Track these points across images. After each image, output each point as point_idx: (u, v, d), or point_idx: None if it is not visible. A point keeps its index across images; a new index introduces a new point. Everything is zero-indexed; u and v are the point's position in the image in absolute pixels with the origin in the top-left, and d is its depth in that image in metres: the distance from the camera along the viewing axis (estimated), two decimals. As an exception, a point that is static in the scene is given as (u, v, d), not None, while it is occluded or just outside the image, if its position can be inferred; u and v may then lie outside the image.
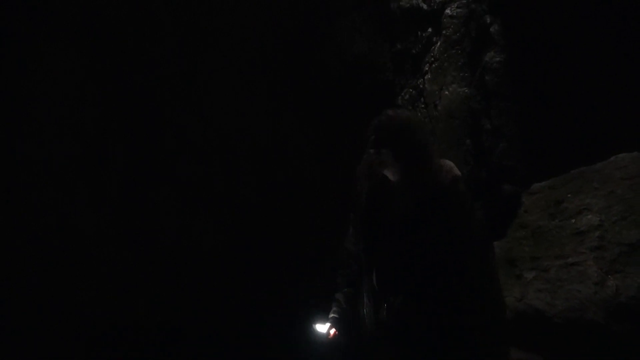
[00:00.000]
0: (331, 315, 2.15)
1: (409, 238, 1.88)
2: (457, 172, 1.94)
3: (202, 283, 4.18)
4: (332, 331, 2.12)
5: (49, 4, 4.07)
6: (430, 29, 4.23)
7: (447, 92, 4.00)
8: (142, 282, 4.14)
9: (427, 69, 4.22)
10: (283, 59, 4.41)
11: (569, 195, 3.04)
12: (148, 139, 4.27)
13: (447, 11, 4.10)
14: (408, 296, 1.87)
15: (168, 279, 4.16)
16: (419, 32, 4.29)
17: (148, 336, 4.00)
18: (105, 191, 4.19)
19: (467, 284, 1.86)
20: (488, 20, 3.85)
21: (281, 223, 4.25)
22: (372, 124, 2.01)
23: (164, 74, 4.31)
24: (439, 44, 4.13)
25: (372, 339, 2.00)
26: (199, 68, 4.35)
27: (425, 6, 4.25)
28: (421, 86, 4.24)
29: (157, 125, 4.29)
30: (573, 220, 2.91)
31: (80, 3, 4.13)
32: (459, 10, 4.04)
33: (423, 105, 4.20)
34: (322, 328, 2.14)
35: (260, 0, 4.36)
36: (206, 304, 4.14)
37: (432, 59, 4.18)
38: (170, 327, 4.04)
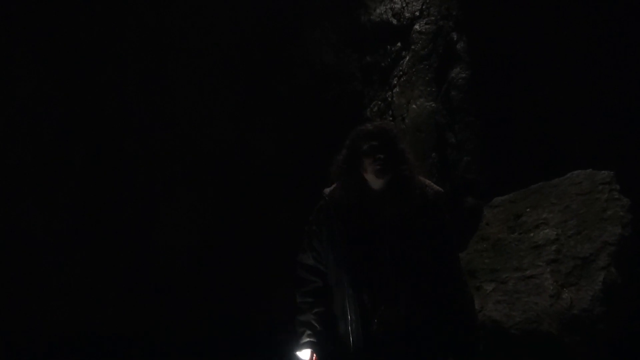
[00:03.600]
0: (307, 339, 2.01)
1: (404, 246, 1.89)
2: (438, 187, 2.01)
3: (166, 289, 4.07)
4: (314, 357, 2.00)
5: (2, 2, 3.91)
6: (399, 44, 4.31)
7: (414, 106, 4.08)
8: (98, 290, 3.99)
9: (395, 82, 4.29)
10: (251, 66, 4.38)
11: (528, 210, 3.13)
12: (108, 143, 4.14)
13: (416, 27, 4.20)
14: (406, 305, 1.87)
15: (125, 287, 4.03)
16: (389, 46, 4.37)
17: (104, 346, 3.85)
18: (61, 196, 4.02)
19: (461, 290, 1.93)
20: (455, 37, 3.97)
21: (248, 228, 4.19)
22: (361, 132, 1.96)
23: (127, 77, 4.20)
24: (407, 58, 4.22)
25: (360, 354, 1.94)
26: (164, 71, 4.26)
27: (395, 21, 4.34)
28: (389, 99, 4.31)
29: (118, 128, 4.17)
30: (531, 234, 2.99)
31: (38, 2, 3.99)
32: (427, 26, 4.15)
33: (391, 118, 4.26)
34: (304, 355, 2.01)
35: (230, 5, 4.33)
36: (171, 309, 4.03)
37: (401, 72, 4.25)
38: (129, 337, 3.90)
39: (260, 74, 4.35)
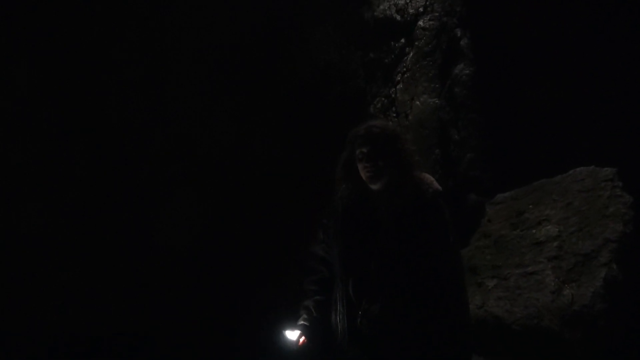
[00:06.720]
0: (301, 322, 2.11)
1: (390, 246, 1.91)
2: (437, 186, 2.01)
3: (166, 289, 4.07)
4: (302, 338, 2.08)
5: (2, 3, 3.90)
6: (403, 40, 4.31)
7: (418, 102, 4.08)
8: (98, 290, 3.98)
9: (399, 78, 4.29)
10: (252, 66, 4.37)
11: (530, 206, 3.15)
12: (108, 143, 4.13)
13: (420, 23, 4.19)
14: (385, 302, 1.90)
15: (125, 287, 4.02)
16: (392, 43, 4.37)
17: (104, 346, 3.86)
18: (62, 196, 4.00)
19: (445, 291, 1.92)
20: (458, 33, 3.96)
21: (248, 228, 4.20)
22: (355, 137, 1.98)
23: (127, 77, 4.17)
24: (411, 54, 4.22)
25: (345, 346, 2.01)
26: (164, 71, 4.23)
27: (398, 17, 4.33)
28: (393, 95, 4.31)
29: (118, 129, 4.15)
30: (533, 231, 3.01)
31: (38, 2, 3.97)
32: (431, 22, 4.14)
33: (394, 114, 4.27)
34: (292, 335, 2.10)
35: (231, 4, 4.32)
36: (171, 309, 4.05)
37: (405, 69, 4.26)
38: (129, 337, 3.90)
39: (261, 73, 4.34)
